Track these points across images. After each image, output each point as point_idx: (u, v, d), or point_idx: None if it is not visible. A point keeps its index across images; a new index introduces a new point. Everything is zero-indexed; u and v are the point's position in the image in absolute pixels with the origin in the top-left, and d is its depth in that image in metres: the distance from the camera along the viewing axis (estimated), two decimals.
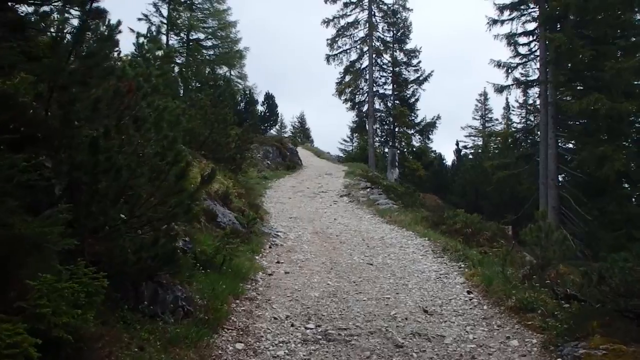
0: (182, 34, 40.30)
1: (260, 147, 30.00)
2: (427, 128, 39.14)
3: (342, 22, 37.97)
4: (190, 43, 40.37)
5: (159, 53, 14.89)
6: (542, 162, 24.57)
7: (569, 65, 23.90)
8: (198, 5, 40.56)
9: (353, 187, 22.01)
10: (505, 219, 23.78)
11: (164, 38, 38.63)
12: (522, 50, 27.02)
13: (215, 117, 16.90)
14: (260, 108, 42.55)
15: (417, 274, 8.88)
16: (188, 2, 39.86)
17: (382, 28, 38.81)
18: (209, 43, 41.64)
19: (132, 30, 37.01)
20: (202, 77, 37.46)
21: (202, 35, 41.11)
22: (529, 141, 29.19)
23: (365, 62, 38.48)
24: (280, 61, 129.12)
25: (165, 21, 38.51)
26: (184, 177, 6.12)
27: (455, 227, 14.79)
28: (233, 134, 17.90)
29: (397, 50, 39.16)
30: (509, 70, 26.67)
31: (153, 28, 37.92)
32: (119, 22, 5.79)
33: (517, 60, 26.88)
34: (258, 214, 13.98)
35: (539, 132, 26.50)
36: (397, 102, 39.31)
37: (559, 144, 24.87)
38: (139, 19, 37.25)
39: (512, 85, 27.08)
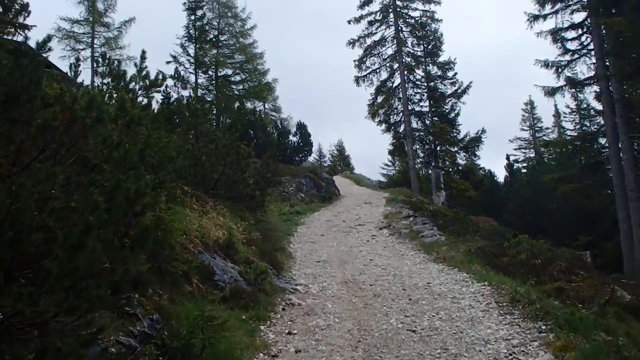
0: (209, 72, 39.51)
1: (293, 179, 28.20)
2: (472, 144, 36.07)
3: (369, 41, 36.09)
4: (219, 79, 39.49)
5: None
6: (615, 171, 21.32)
7: (634, 53, 20.67)
8: (224, 42, 39.80)
9: (394, 217, 19.46)
10: (577, 241, 20.48)
11: (192, 77, 38.08)
12: (572, 45, 24.00)
13: (227, 151, 14.64)
14: (293, 139, 41.01)
15: (480, 347, 6.17)
16: (214, 39, 39.03)
17: (412, 42, 36.69)
18: (237, 78, 40.77)
19: (162, 73, 36.85)
20: (231, 112, 36.33)
21: (229, 71, 40.26)
22: (594, 147, 25.62)
23: (397, 80, 36.23)
24: (318, 89, 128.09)
25: (192, 60, 37.90)
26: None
27: (520, 259, 12.12)
28: (252, 168, 15.66)
29: (430, 64, 36.73)
30: (559, 70, 23.66)
31: (181, 69, 37.94)
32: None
33: (567, 57, 23.85)
34: (278, 261, 11.62)
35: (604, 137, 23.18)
36: (436, 118, 36.61)
37: (635, 147, 21.40)
38: (167, 62, 37.44)
39: (565, 86, 24.01)
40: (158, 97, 32.31)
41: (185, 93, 36.27)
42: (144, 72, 9.93)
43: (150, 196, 6.11)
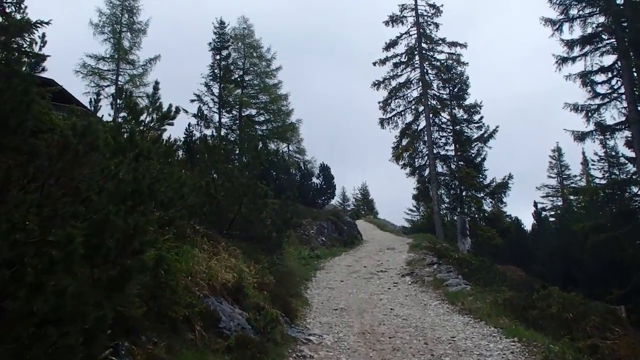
0: (233, 111, 39.63)
1: (314, 222, 27.59)
2: (499, 190, 35.05)
3: (394, 83, 35.79)
4: (242, 119, 39.55)
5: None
6: None
7: None
8: (248, 82, 40.01)
9: (417, 264, 18.65)
10: (610, 294, 19.25)
11: (216, 116, 38.19)
12: (602, 89, 23.27)
13: (244, 190, 14.10)
14: (316, 181, 40.58)
15: None
16: (238, 79, 39.27)
17: (437, 85, 36.33)
18: (261, 118, 40.82)
19: (186, 111, 37.09)
20: (254, 152, 36.06)
21: (253, 111, 40.37)
22: (625, 196, 24.49)
23: (422, 122, 35.70)
24: (344, 130, 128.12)
25: (216, 100, 38.06)
26: None
27: (551, 312, 11.28)
28: (269, 208, 15.08)
29: (456, 107, 36.13)
30: (589, 114, 22.93)
31: (205, 108, 38.11)
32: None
33: (597, 101, 23.11)
34: (291, 307, 10.93)
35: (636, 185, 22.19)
36: (462, 163, 35.76)
37: None
38: (192, 100, 37.74)
39: (595, 130, 23.20)
40: (179, 133, 32.33)
41: (209, 132, 36.28)
42: (157, 104, 9.58)
43: (151, 233, 5.60)
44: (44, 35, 8.34)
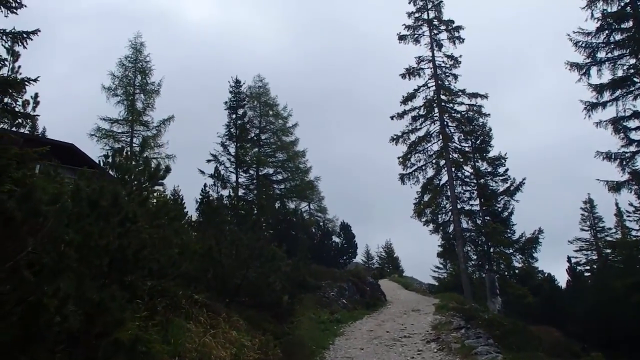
0: (250, 170, 39.07)
1: (334, 284, 26.30)
2: (528, 245, 33.31)
3: (413, 136, 34.95)
4: (259, 178, 38.95)
5: None
6: None
7: None
8: (265, 140, 39.61)
9: (444, 328, 17.10)
10: None
11: (232, 176, 37.62)
12: (636, 135, 21.96)
13: (249, 253, 12.89)
14: (337, 240, 39.40)
15: None
16: (255, 138, 38.89)
17: (459, 138, 35.31)
18: (279, 177, 40.19)
19: (202, 172, 36.66)
20: (271, 212, 35.17)
21: (270, 170, 39.77)
22: None
23: (444, 177, 34.51)
24: (365, 187, 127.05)
25: (233, 159, 37.59)
26: None
27: None
28: (279, 272, 13.84)
29: (479, 160, 34.92)
30: (624, 162, 21.54)
31: (221, 167, 37.61)
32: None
33: (632, 148, 21.73)
34: None
35: None
36: (488, 218, 34.29)
37: None
38: (208, 161, 37.43)
39: (631, 180, 21.74)
40: (196, 194, 31.55)
41: (225, 192, 35.59)
42: (143, 163, 8.63)
43: (118, 311, 4.47)
44: (36, 95, 7.63)
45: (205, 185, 30.08)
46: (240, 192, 37.66)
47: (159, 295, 6.50)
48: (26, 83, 7.37)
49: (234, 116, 38.11)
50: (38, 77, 7.72)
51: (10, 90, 7.18)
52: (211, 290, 11.26)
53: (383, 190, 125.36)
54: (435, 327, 17.67)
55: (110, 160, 8.79)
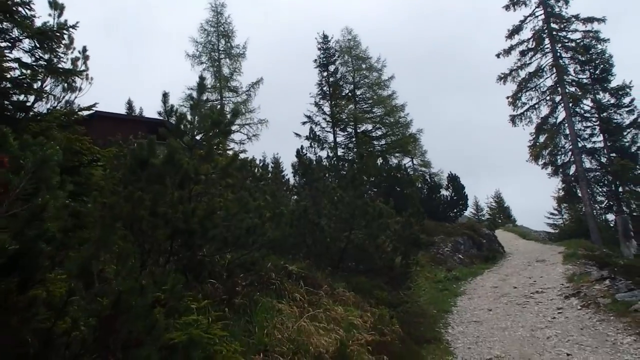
0: (348, 129, 37.73)
1: (448, 239, 25.13)
2: None
3: (522, 73, 31.94)
4: (358, 136, 37.55)
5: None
6: None
7: None
8: (360, 96, 37.90)
9: (582, 279, 15.06)
10: None
11: (329, 136, 36.52)
12: None
13: (350, 211, 11.40)
14: (445, 193, 37.38)
15: None
16: (349, 94, 37.34)
17: (574, 69, 31.98)
18: (378, 132, 38.49)
19: (298, 135, 35.84)
20: (373, 169, 33.85)
21: (369, 126, 38.15)
22: None
23: (561, 114, 31.40)
24: (469, 144, 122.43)
25: (329, 118, 36.40)
26: None
27: None
28: (388, 231, 12.38)
29: (600, 92, 31.36)
30: None
31: (317, 128, 36.60)
32: None
33: None
34: None
35: None
36: (614, 155, 30.95)
37: None
38: (303, 123, 36.73)
39: None
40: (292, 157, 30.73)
41: (324, 153, 34.60)
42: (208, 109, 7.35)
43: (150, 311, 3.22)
44: (84, 48, 6.69)
45: (301, 147, 29.31)
46: (339, 151, 36.52)
47: (241, 270, 5.42)
48: (64, 31, 6.39)
49: (325, 73, 36.82)
50: (77, 22, 6.71)
51: (50, 43, 6.27)
52: (311, 258, 10.12)
53: (487, 144, 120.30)
54: (570, 279, 15.68)
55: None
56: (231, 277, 5.39)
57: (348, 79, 37.72)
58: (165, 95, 5.50)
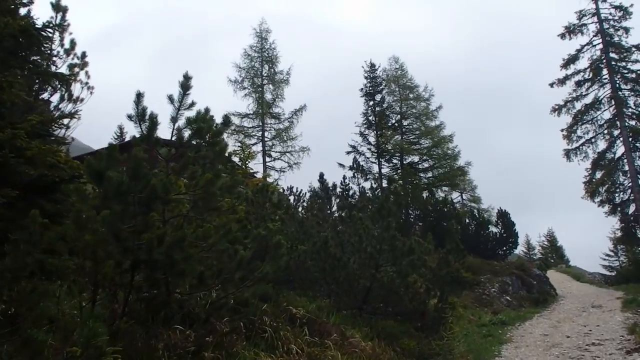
0: (393, 160, 36.85)
1: (495, 278, 24.01)
2: None
3: (578, 105, 30.35)
4: (403, 168, 36.58)
5: None
6: None
7: None
8: (407, 127, 37.05)
9: None
10: None
11: (374, 167, 35.77)
12: None
13: (377, 244, 10.24)
14: (494, 229, 35.84)
15: None
16: (396, 124, 36.55)
17: (635, 102, 30.12)
18: (425, 165, 37.46)
19: (342, 166, 35.09)
20: (419, 202, 32.79)
21: (415, 158, 37.19)
22: None
23: (620, 149, 29.70)
24: (520, 180, 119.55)
25: (374, 149, 35.68)
26: None
27: None
28: (422, 269, 11.19)
29: None
30: None
31: (361, 159, 35.85)
32: None
33: None
34: None
35: None
36: None
37: None
38: (347, 152, 36.12)
39: None
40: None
41: (367, 185, 33.71)
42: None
43: None
44: (83, 54, 6.11)
45: (344, 178, 28.50)
46: (384, 183, 35.55)
47: (227, 313, 4.52)
48: (48, 30, 5.79)
49: (371, 103, 36.17)
50: (66, 21, 6.13)
51: (45, 44, 5.74)
52: (332, 296, 9.14)
53: (542, 180, 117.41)
54: (632, 330, 14.12)
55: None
56: (208, 321, 4.51)
57: (395, 109, 36.98)
58: (138, 96, 4.74)
